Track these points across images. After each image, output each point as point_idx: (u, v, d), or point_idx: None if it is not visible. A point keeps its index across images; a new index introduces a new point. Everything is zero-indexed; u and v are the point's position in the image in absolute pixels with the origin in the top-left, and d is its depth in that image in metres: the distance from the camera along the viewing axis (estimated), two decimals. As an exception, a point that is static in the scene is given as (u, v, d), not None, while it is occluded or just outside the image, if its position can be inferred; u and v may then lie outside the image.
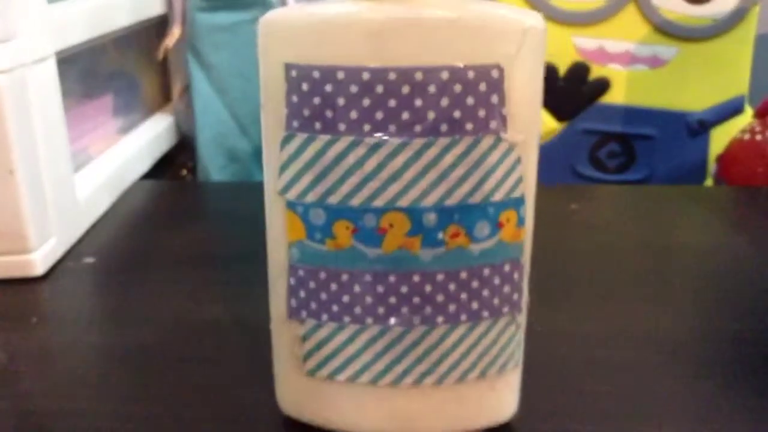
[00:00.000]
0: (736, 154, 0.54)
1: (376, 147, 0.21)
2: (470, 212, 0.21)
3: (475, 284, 0.22)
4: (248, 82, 0.54)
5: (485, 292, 0.23)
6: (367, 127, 0.21)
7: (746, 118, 0.56)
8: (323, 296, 0.23)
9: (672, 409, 0.26)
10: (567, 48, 0.56)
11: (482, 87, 0.20)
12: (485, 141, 0.21)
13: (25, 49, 0.35)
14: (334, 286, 0.22)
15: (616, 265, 0.38)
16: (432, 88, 0.20)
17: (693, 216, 0.46)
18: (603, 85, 0.56)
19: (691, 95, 0.57)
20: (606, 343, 0.30)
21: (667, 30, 0.55)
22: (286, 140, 0.22)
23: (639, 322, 0.32)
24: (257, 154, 0.56)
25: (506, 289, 0.23)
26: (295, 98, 0.21)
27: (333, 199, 0.22)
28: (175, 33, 0.54)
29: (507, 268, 0.23)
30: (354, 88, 0.20)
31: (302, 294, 0.23)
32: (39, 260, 0.36)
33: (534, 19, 0.21)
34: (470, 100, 0.20)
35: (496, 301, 0.23)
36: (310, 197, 0.22)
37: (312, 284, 0.23)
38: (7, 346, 0.30)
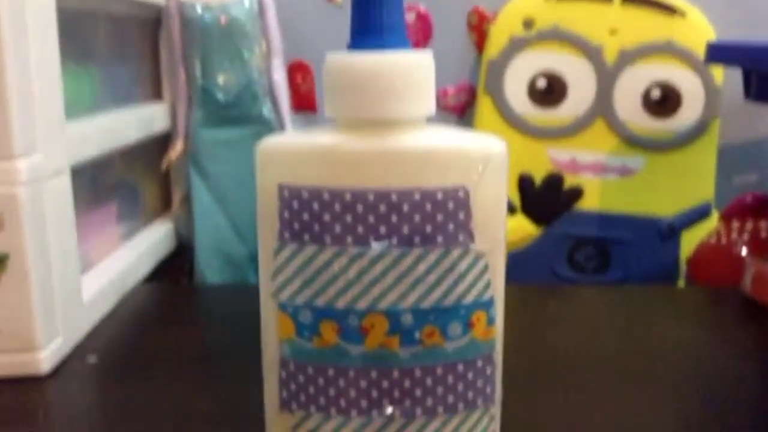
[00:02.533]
0: (704, 257, 0.57)
1: (357, 256, 0.24)
2: (443, 314, 0.24)
3: (450, 379, 0.25)
4: (246, 192, 0.57)
5: (460, 387, 0.25)
6: (349, 239, 0.24)
7: (713, 221, 0.60)
8: (311, 389, 0.25)
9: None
10: (542, 160, 0.60)
11: (450, 205, 0.24)
12: (455, 251, 0.24)
13: (43, 164, 0.38)
14: (321, 380, 0.25)
15: (593, 361, 0.40)
16: (406, 207, 0.24)
17: (667, 315, 0.48)
18: (577, 193, 0.60)
19: (661, 202, 0.60)
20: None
21: (635, 142, 0.60)
22: (278, 249, 0.25)
23: (616, 418, 0.33)
24: (253, 258, 0.58)
25: (479, 383, 0.25)
26: (286, 213, 0.24)
27: (320, 302, 0.24)
28: (178, 147, 0.58)
29: (479, 363, 0.25)
30: (338, 206, 0.24)
31: (292, 387, 0.25)
32: (45, 358, 0.38)
33: (496, 145, 0.25)
34: (440, 217, 0.24)
35: (470, 394, 0.25)
36: (300, 299, 0.25)
37: (301, 378, 0.25)
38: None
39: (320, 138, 0.25)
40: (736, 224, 0.55)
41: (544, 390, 0.36)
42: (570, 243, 0.61)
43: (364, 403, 0.25)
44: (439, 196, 0.24)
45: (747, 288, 0.48)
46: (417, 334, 0.24)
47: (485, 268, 0.25)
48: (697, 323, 0.46)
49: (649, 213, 0.60)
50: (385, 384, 0.24)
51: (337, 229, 0.24)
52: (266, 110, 0.57)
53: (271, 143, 0.26)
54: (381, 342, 0.24)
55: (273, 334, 0.26)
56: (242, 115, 0.57)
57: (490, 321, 0.25)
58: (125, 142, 0.51)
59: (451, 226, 0.24)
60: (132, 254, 0.53)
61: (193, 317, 0.48)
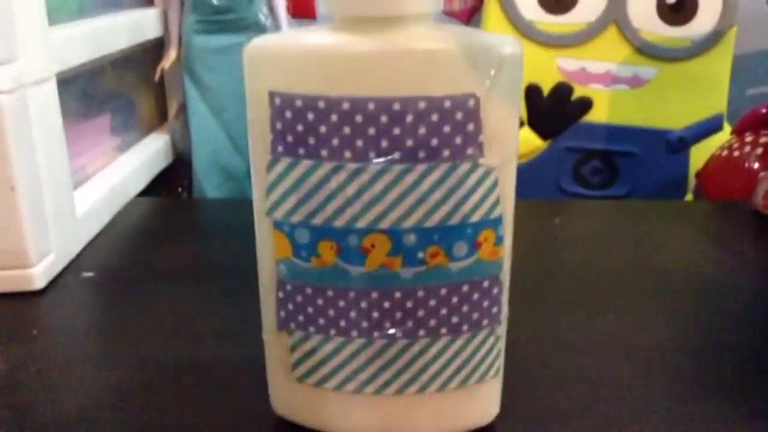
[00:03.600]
0: (715, 170, 0.56)
1: (357, 172, 0.22)
2: (449, 233, 0.23)
3: (454, 300, 0.24)
4: (243, 103, 0.56)
5: (465, 308, 0.24)
6: (348, 154, 0.22)
7: (725, 135, 0.58)
8: (310, 310, 0.24)
9: (648, 415, 0.27)
10: (550, 69, 0.58)
11: (459, 116, 0.22)
12: (462, 166, 0.22)
13: (26, 71, 0.36)
14: (320, 301, 0.24)
15: (598, 277, 0.39)
16: (410, 117, 0.21)
17: (674, 230, 0.47)
18: (585, 105, 0.58)
19: (671, 114, 0.58)
20: (587, 351, 0.31)
21: (647, 51, 0.57)
22: (271, 164, 0.23)
23: (620, 333, 0.33)
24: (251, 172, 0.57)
25: (485, 303, 0.24)
26: (279, 125, 0.22)
27: (317, 220, 0.23)
28: (171, 55, 0.56)
29: (486, 284, 0.24)
30: (335, 117, 0.21)
31: (290, 307, 0.24)
32: (39, 275, 0.37)
33: (511, 46, 0.22)
34: (447, 129, 0.22)
35: (475, 315, 0.24)
36: (296, 218, 0.23)
37: (299, 298, 0.24)
38: (8, 358, 0.31)
39: (315, 38, 0.22)
40: (749, 137, 0.54)
41: (549, 306, 0.36)
42: (576, 157, 0.59)
43: (364, 324, 0.23)
44: (447, 104, 0.21)
45: (758, 202, 0.47)
46: (420, 255, 0.23)
47: (494, 185, 0.23)
48: (705, 237, 0.46)
49: (658, 125, 0.59)
50: (387, 305, 0.23)
51: (335, 142, 0.22)
52: (262, 15, 0.54)
53: (259, 45, 0.23)
54: (382, 262, 0.23)
55: (269, 253, 0.24)
56: (237, 20, 0.54)
57: (498, 240, 0.24)
58: (114, 49, 0.49)
59: (459, 139, 0.22)
60: (127, 167, 0.52)
61: (190, 232, 0.47)
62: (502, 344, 0.25)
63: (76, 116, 0.46)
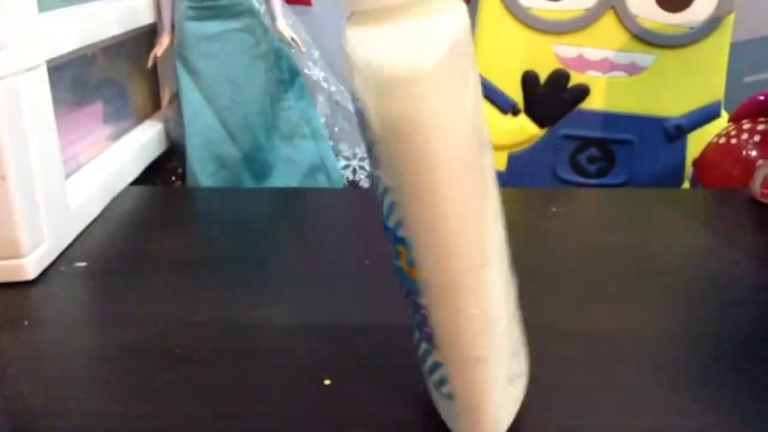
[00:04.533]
0: (712, 158, 0.55)
1: None
2: (389, 233, 0.22)
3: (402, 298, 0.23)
4: (237, 90, 0.55)
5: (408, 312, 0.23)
6: None
7: (722, 122, 0.58)
8: None
9: (645, 402, 0.27)
10: (548, 56, 0.57)
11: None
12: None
13: (16, 58, 0.36)
14: None
15: (595, 265, 0.39)
16: None
17: (671, 218, 0.47)
18: (582, 92, 0.58)
19: (669, 101, 0.58)
20: (579, 340, 0.31)
21: (645, 38, 0.57)
22: None
23: (615, 321, 0.33)
24: (246, 160, 0.57)
25: (414, 315, 0.23)
26: None
27: None
28: (164, 42, 0.55)
29: (410, 297, 0.23)
30: None
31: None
32: (31, 265, 0.37)
33: (404, 68, 0.19)
34: None
35: (412, 322, 0.24)
36: None
37: None
38: (0, 348, 0.31)
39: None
40: (747, 125, 0.53)
41: (542, 294, 0.35)
42: (573, 144, 0.59)
43: None
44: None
45: (756, 190, 0.47)
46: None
47: (393, 204, 0.21)
48: (702, 225, 0.45)
49: (655, 113, 0.58)
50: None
51: None
52: (256, 1, 0.54)
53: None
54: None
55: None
56: (230, 6, 0.53)
57: (410, 262, 0.21)
58: (106, 36, 0.49)
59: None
60: (120, 156, 0.51)
61: (183, 221, 0.47)
62: (445, 373, 0.23)
63: (68, 104, 0.46)
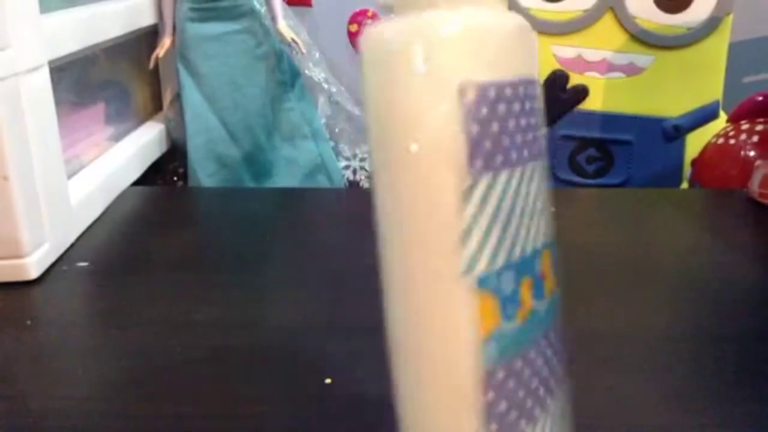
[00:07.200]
0: (710, 158, 0.55)
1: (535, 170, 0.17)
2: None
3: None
4: (238, 91, 0.55)
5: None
6: (535, 149, 0.18)
7: (720, 123, 0.58)
8: (521, 395, 0.17)
9: (644, 402, 0.27)
10: (546, 57, 0.58)
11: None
12: None
13: (18, 59, 0.36)
14: (527, 374, 0.17)
15: (593, 265, 0.39)
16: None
17: (669, 218, 0.47)
18: (582, 93, 0.58)
19: (667, 101, 0.58)
20: (579, 340, 0.31)
21: (644, 39, 0.57)
22: (469, 191, 0.16)
23: (614, 321, 0.33)
24: (246, 160, 0.57)
25: None
26: (475, 128, 0.16)
27: (517, 252, 0.17)
28: (165, 43, 0.55)
29: None
30: (517, 105, 0.17)
31: (502, 408, 0.16)
32: (33, 264, 0.37)
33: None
34: None
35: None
36: (500, 260, 0.16)
37: (511, 385, 0.17)
38: (1, 348, 0.31)
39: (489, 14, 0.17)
40: (745, 125, 0.53)
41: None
42: (572, 145, 0.59)
43: (551, 383, 0.18)
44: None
45: (754, 191, 0.47)
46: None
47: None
48: (701, 226, 0.45)
49: (654, 113, 0.58)
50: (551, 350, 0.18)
51: (518, 137, 0.17)
52: (257, 2, 0.54)
53: (419, 30, 0.16)
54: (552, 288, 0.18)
55: (464, 338, 0.16)
56: (231, 7, 0.54)
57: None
58: (108, 37, 0.49)
59: None
60: (122, 156, 0.51)
61: (185, 221, 0.47)
62: None
63: (70, 105, 0.46)
